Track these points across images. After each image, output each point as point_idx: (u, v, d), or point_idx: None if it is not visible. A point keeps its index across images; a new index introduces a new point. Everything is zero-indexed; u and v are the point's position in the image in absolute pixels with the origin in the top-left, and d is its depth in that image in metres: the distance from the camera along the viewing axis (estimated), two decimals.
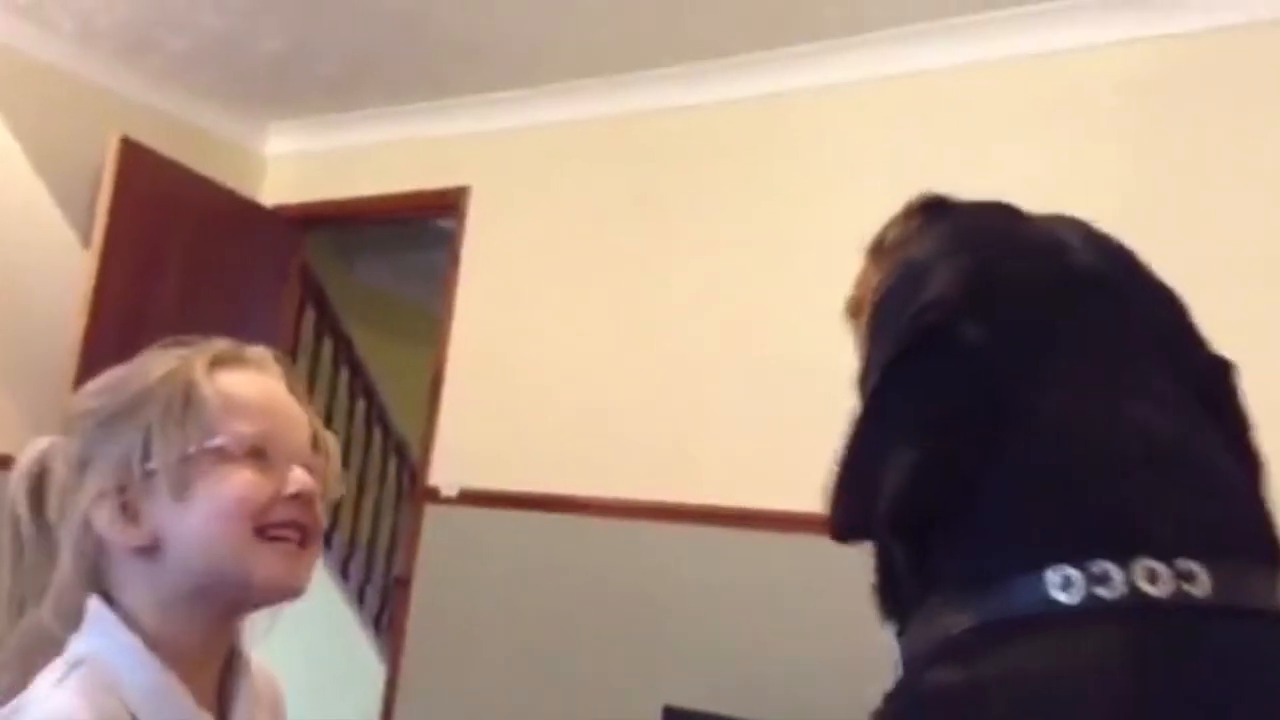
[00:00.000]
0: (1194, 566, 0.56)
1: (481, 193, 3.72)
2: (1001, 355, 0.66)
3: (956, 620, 0.60)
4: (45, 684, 0.90)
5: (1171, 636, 0.54)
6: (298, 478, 0.97)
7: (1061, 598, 0.56)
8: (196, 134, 4.04)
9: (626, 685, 3.02)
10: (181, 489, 0.93)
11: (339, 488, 1.04)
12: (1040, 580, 0.57)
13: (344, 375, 5.34)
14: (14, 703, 0.90)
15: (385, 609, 5.14)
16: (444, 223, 4.00)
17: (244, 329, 4.19)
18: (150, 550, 0.94)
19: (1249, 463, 0.68)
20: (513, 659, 3.30)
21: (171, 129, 3.94)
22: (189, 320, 4.06)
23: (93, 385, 1.02)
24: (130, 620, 0.94)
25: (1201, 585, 0.56)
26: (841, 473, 0.70)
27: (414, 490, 3.84)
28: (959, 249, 0.73)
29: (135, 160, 3.70)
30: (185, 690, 0.93)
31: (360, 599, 5.31)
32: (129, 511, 0.94)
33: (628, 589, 3.13)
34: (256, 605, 1.01)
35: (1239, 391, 0.71)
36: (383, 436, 5.54)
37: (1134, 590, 0.55)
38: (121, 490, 0.94)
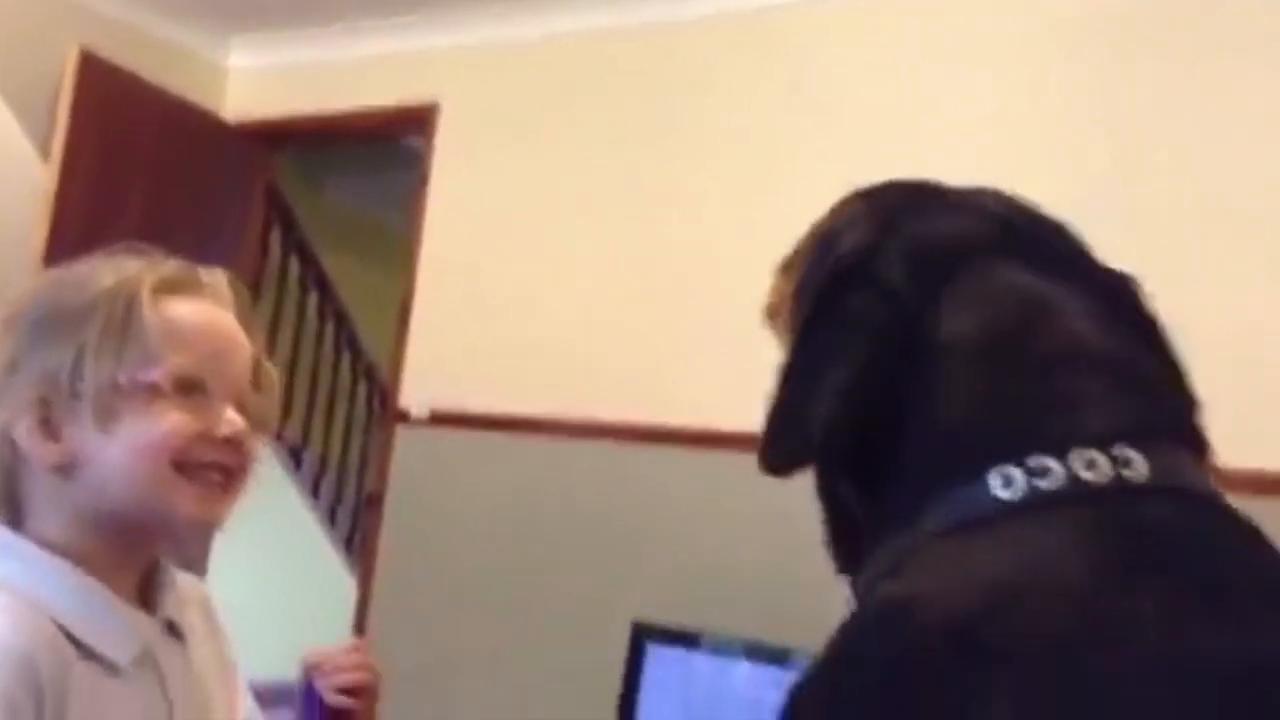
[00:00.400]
0: (1130, 453, 0.58)
1: (452, 110, 3.66)
2: (918, 285, 0.67)
3: (904, 542, 0.61)
4: None
5: (1113, 517, 0.56)
6: (230, 419, 0.94)
7: (1004, 495, 0.58)
8: (157, 45, 3.94)
9: (597, 601, 3.06)
10: (107, 418, 0.91)
11: (274, 423, 1.03)
12: (982, 484, 0.58)
13: (313, 297, 5.30)
14: None
15: (356, 529, 5.17)
16: (414, 142, 3.94)
17: (209, 249, 4.17)
18: (66, 469, 0.92)
19: (1168, 360, 0.70)
20: (484, 578, 3.32)
21: (132, 40, 3.83)
22: (152, 239, 4.00)
23: (35, 284, 0.99)
24: (37, 533, 0.93)
25: (1138, 470, 0.58)
26: (774, 408, 0.71)
27: (384, 412, 3.84)
28: (870, 212, 0.75)
29: (95, 73, 3.61)
30: (104, 588, 0.92)
31: (332, 519, 5.33)
32: (50, 427, 0.91)
33: (597, 508, 3.15)
34: (173, 539, 1.00)
35: (1146, 298, 0.73)
36: (352, 358, 5.51)
37: (1074, 479, 0.57)
38: (45, 404, 0.91)
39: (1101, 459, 0.58)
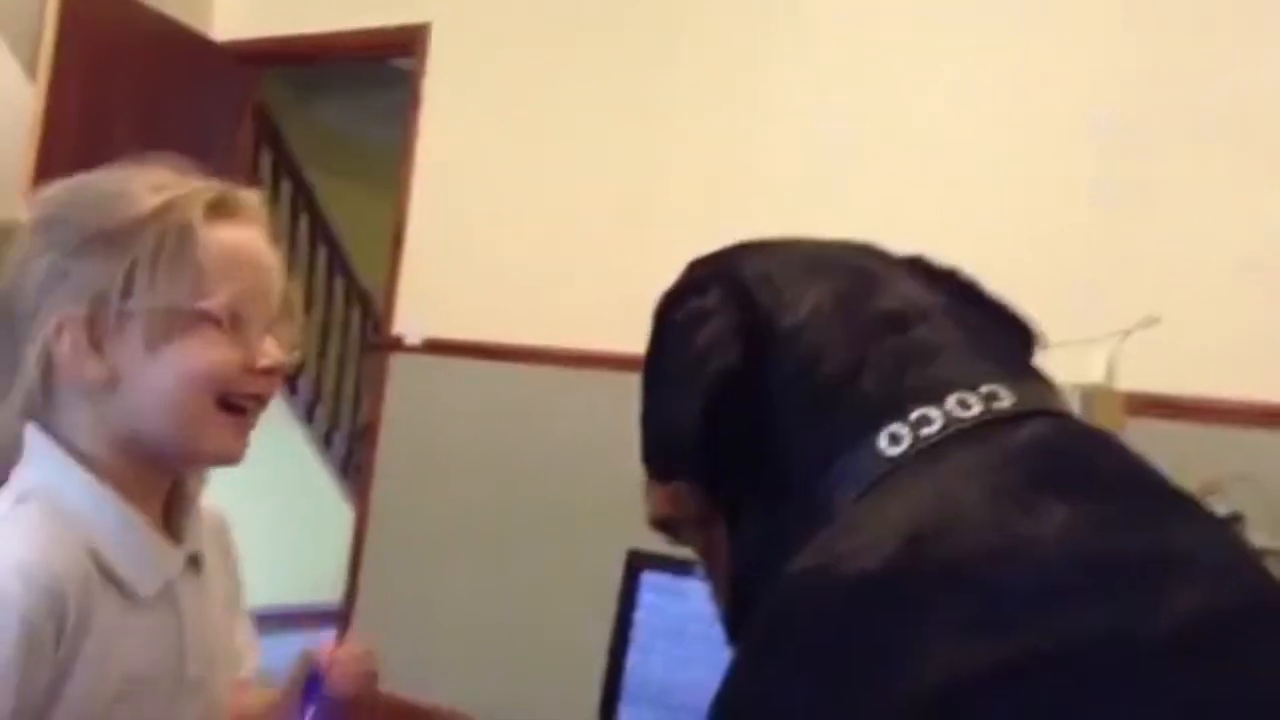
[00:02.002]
0: (996, 388, 0.61)
1: (443, 30, 3.59)
2: (756, 292, 0.70)
3: (801, 523, 0.62)
4: (8, 511, 0.88)
5: (993, 445, 0.59)
6: (270, 351, 0.94)
7: (892, 452, 0.60)
8: None
9: (590, 530, 3.08)
10: (156, 341, 0.90)
11: (297, 350, 1.01)
12: (871, 446, 0.61)
13: (304, 222, 5.24)
14: None
15: (352, 455, 5.18)
16: (404, 62, 3.87)
17: (200, 170, 4.09)
18: (106, 386, 0.91)
19: (991, 307, 0.72)
20: (478, 505, 3.34)
21: None
22: (142, 158, 3.96)
23: (70, 190, 0.95)
24: (72, 449, 0.91)
25: (1006, 400, 0.61)
26: (644, 434, 0.77)
27: (378, 339, 3.82)
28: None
29: None
30: (137, 515, 0.92)
31: (327, 446, 5.34)
32: (93, 343, 0.89)
33: (593, 436, 3.15)
34: (194, 466, 1.00)
35: (941, 265, 0.75)
36: (345, 285, 5.48)
37: (950, 419, 0.60)
38: (90, 321, 0.89)
39: (972, 397, 0.61)
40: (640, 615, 1.47)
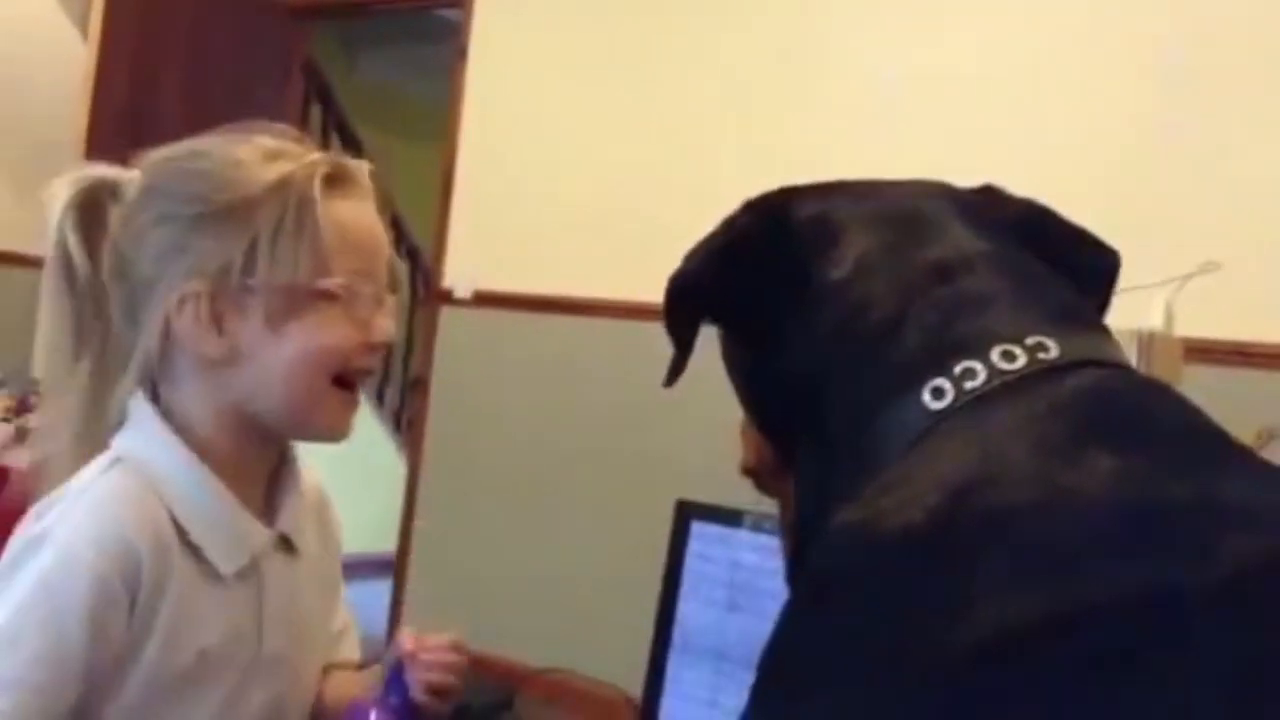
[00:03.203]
0: (1043, 339, 0.60)
1: None
2: (804, 234, 0.69)
3: (847, 476, 0.62)
4: (88, 475, 0.90)
5: (1039, 396, 0.58)
6: (384, 327, 0.95)
7: (936, 406, 0.60)
8: None
9: (640, 481, 3.09)
10: (277, 319, 0.90)
11: (398, 323, 1.01)
12: (915, 400, 0.60)
13: None
14: (59, 491, 0.90)
15: (404, 409, 5.24)
16: (451, 14, 3.85)
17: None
18: (225, 362, 0.91)
19: (1090, 264, 0.71)
20: (528, 456, 3.36)
21: None
22: (193, 116, 3.99)
23: (183, 158, 0.95)
24: (178, 420, 0.92)
25: (1053, 351, 0.60)
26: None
27: (428, 292, 3.84)
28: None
29: None
30: (228, 492, 0.92)
31: (380, 399, 5.40)
32: (214, 319, 0.90)
33: (643, 387, 3.15)
34: (303, 439, 1.00)
35: (1059, 216, 0.74)
36: (394, 239, 5.49)
37: (994, 371, 0.59)
38: (212, 297, 0.90)
39: (1018, 349, 0.60)
40: (690, 565, 1.48)
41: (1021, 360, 0.60)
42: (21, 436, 3.96)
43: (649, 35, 3.28)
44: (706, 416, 3.05)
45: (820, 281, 0.67)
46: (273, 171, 0.91)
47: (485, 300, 3.47)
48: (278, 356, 0.91)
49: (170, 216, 0.91)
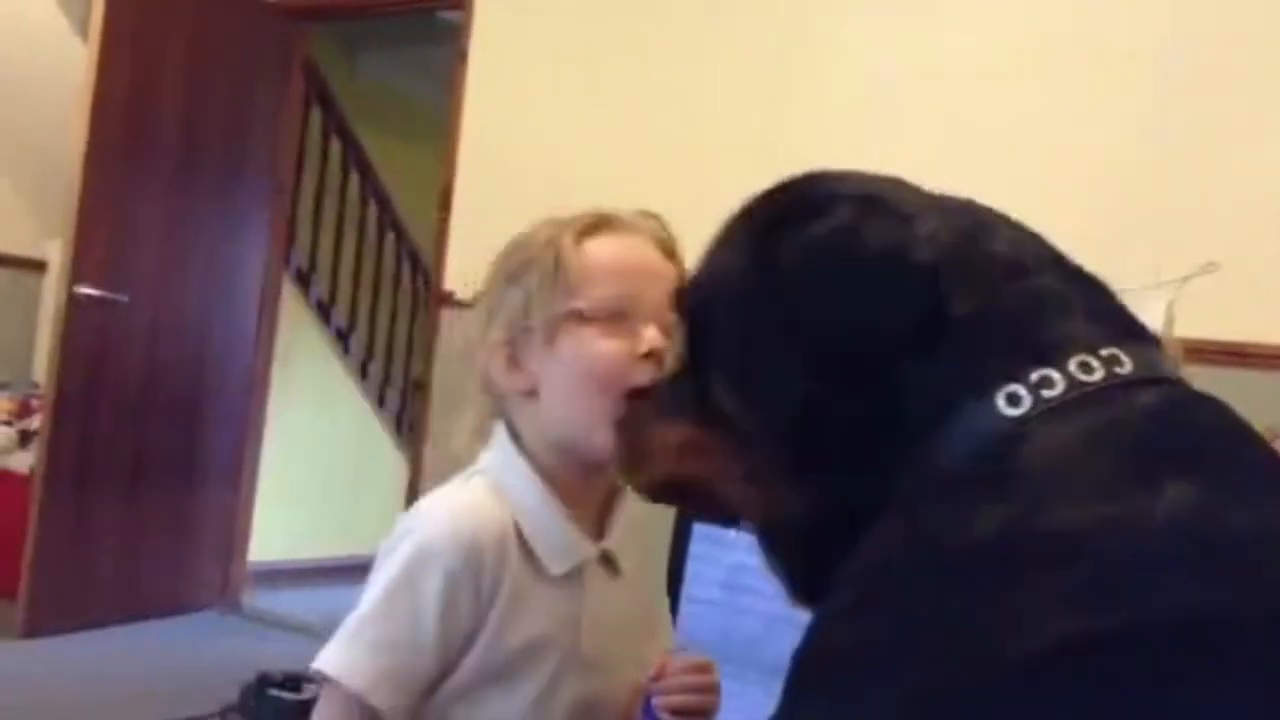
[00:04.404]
0: (1116, 351, 0.60)
1: None
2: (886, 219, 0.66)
3: (903, 475, 0.60)
4: (453, 484, 1.10)
5: (1106, 407, 0.58)
6: (650, 337, 1.04)
7: (1011, 413, 0.58)
8: None
9: None
10: (550, 341, 1.06)
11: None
12: (989, 405, 0.59)
13: (354, 179, 5.27)
14: (430, 495, 1.10)
15: (405, 410, 5.24)
16: (451, 15, 3.85)
17: (250, 127, 4.14)
18: (531, 394, 1.08)
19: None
20: None
21: None
22: (193, 118, 3.99)
23: (502, 247, 1.17)
24: (525, 446, 1.09)
25: (1126, 365, 0.59)
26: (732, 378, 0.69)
27: (429, 294, 3.84)
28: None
29: None
30: (565, 510, 1.07)
31: (381, 401, 5.40)
32: (514, 360, 1.08)
33: None
34: (596, 460, 1.06)
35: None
36: (395, 240, 5.51)
37: (1073, 383, 0.58)
38: (510, 343, 1.08)
39: (1095, 361, 0.59)
40: (690, 565, 1.48)
41: (1098, 374, 0.59)
42: (24, 439, 3.97)
43: (649, 37, 3.29)
44: None
45: (897, 258, 0.63)
46: (544, 232, 1.11)
47: None
48: (558, 378, 1.06)
49: (486, 292, 1.13)
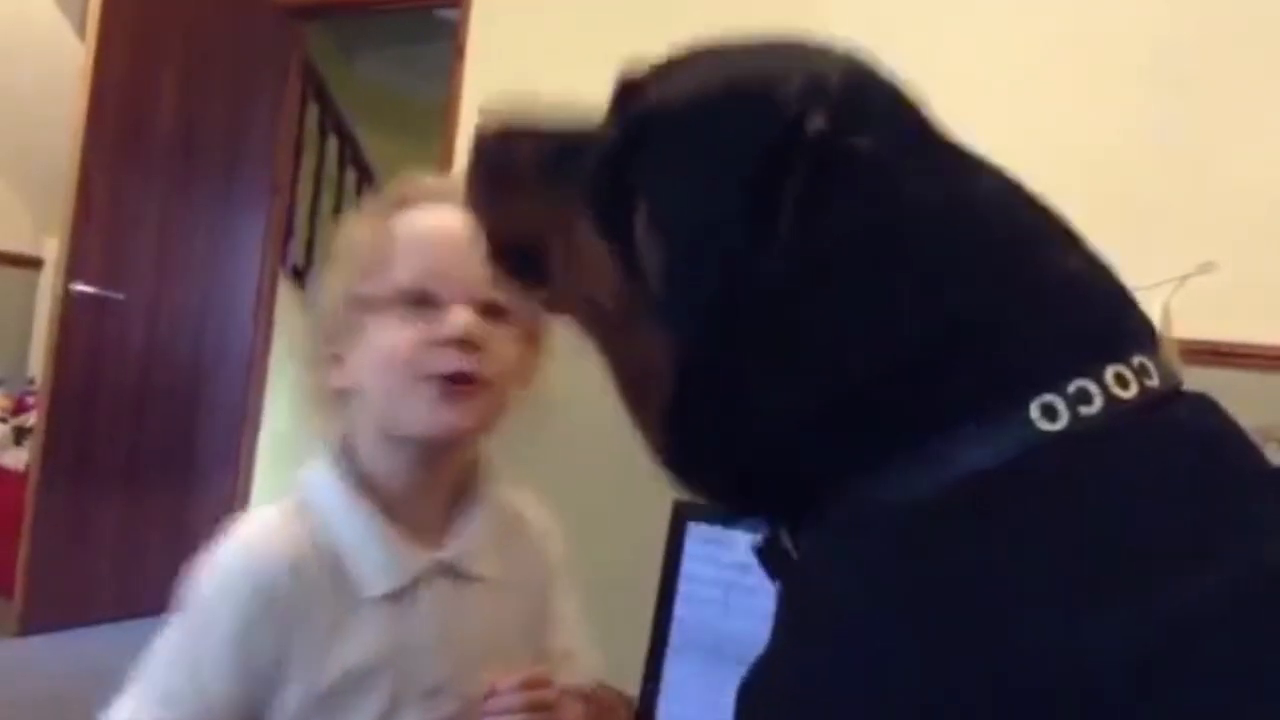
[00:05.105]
0: (1144, 360, 0.55)
1: None
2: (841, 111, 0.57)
3: (898, 455, 0.53)
4: (265, 510, 0.98)
5: (1149, 428, 0.53)
6: (454, 322, 0.94)
7: (1046, 427, 0.52)
8: None
9: (636, 481, 3.09)
10: (353, 334, 0.96)
11: (543, 322, 1.04)
12: (1021, 416, 0.52)
13: (350, 176, 5.26)
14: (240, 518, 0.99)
15: None
16: (448, 12, 3.84)
17: (247, 125, 4.13)
18: (354, 391, 0.97)
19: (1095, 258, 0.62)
20: (523, 458, 3.35)
21: None
22: (190, 115, 3.98)
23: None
24: (354, 456, 0.98)
25: (1154, 377, 0.55)
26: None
27: None
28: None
29: None
30: (387, 523, 0.95)
31: None
32: (336, 356, 0.98)
33: None
34: (439, 448, 1.00)
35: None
36: None
37: (1109, 398, 0.53)
38: (329, 337, 0.98)
39: (1128, 372, 0.54)
40: (686, 565, 1.48)
41: (1133, 388, 0.53)
42: (19, 436, 3.96)
43: (646, 36, 3.28)
44: None
45: (881, 195, 0.55)
46: (359, 214, 1.01)
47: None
48: (368, 371, 0.96)
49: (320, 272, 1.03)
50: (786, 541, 0.61)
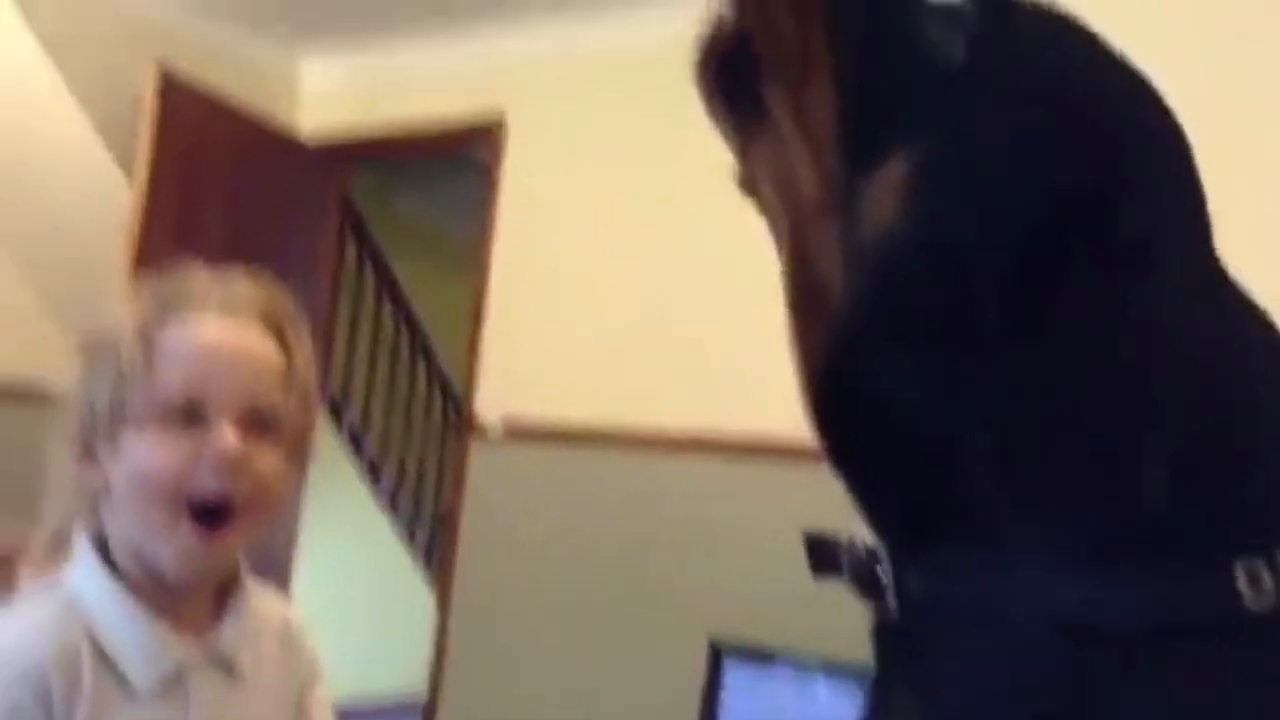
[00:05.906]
0: None
1: (519, 119, 3.66)
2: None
3: (1093, 599, 0.46)
4: (27, 603, 0.94)
5: None
6: (217, 441, 0.90)
7: (1250, 597, 0.43)
8: (230, 60, 4.00)
9: (673, 617, 3.02)
10: (112, 443, 0.91)
11: (310, 431, 0.98)
12: (1224, 580, 0.44)
13: (387, 309, 5.34)
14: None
15: (435, 543, 5.19)
16: (482, 152, 3.95)
17: (288, 263, 4.20)
18: (105, 492, 0.93)
19: None
20: (560, 593, 3.30)
21: (206, 55, 3.89)
22: (233, 254, 4.06)
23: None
24: (111, 550, 0.94)
25: None
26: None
27: (459, 425, 3.84)
28: None
29: (175, 92, 3.67)
30: (143, 610, 0.92)
31: (411, 533, 5.36)
32: (89, 452, 0.93)
33: (675, 522, 3.11)
34: (164, 574, 0.96)
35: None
36: (427, 370, 5.55)
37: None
38: (85, 431, 0.92)
39: None
40: (725, 703, 1.43)
41: None
42: None
43: (678, 171, 3.34)
44: (742, 552, 3.00)
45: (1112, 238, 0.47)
46: (123, 310, 0.94)
47: (517, 434, 3.46)
48: (121, 485, 0.91)
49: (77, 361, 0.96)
50: (885, 575, 0.53)
